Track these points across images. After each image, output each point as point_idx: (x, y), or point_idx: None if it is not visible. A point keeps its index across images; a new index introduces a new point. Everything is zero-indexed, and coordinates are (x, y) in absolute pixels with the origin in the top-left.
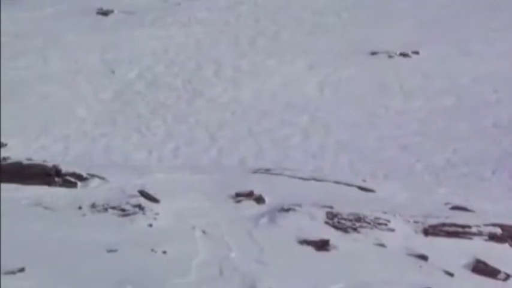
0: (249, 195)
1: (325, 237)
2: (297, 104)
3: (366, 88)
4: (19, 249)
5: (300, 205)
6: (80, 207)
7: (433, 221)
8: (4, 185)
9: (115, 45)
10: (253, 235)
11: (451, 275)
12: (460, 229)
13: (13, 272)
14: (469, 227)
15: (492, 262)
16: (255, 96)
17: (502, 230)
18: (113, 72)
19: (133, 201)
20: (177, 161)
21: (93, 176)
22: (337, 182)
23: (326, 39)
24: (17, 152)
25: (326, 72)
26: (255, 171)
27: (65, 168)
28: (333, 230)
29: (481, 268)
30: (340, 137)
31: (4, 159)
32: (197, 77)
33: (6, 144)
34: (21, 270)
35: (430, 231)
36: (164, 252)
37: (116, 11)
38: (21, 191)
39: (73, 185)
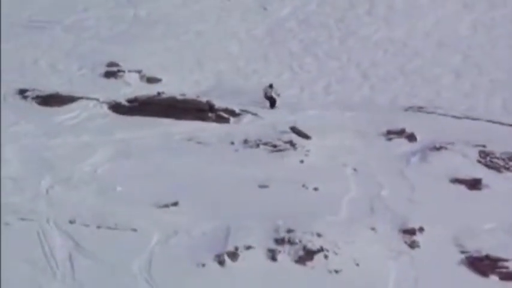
0: (401, 133)
1: (477, 176)
2: (450, 43)
3: None
4: (173, 184)
5: (452, 143)
6: (232, 143)
7: None
8: (158, 120)
9: None
10: (405, 173)
11: None
12: None
13: (167, 206)
14: None
15: None
16: (408, 35)
17: None
18: (265, 9)
19: (285, 137)
20: (329, 98)
21: (245, 111)
22: (490, 121)
23: None
24: (171, 88)
25: (480, 11)
26: (407, 109)
27: (218, 104)
28: (485, 169)
29: None
30: (494, 76)
31: (159, 94)
32: (349, 15)
33: (161, 80)
34: (175, 204)
35: None
36: (315, 188)
37: None
38: (175, 126)
39: (226, 120)
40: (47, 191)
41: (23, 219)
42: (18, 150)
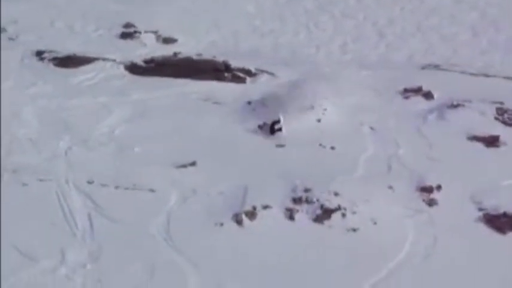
0: (418, 91)
1: (494, 133)
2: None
3: None
4: (190, 144)
5: (469, 101)
6: (249, 102)
7: None
8: (175, 80)
9: None
10: (422, 131)
11: None
12: None
13: (185, 166)
14: None
15: None
16: None
17: None
18: None
19: None
20: (345, 57)
21: (262, 71)
22: (507, 78)
23: None
24: (187, 48)
25: None
26: (424, 67)
27: (234, 64)
28: (502, 126)
29: None
30: (511, 34)
31: (175, 54)
32: None
33: (177, 40)
34: (193, 164)
35: None
36: (332, 147)
37: None
38: (191, 86)
39: (242, 80)
40: (65, 152)
41: (41, 180)
42: (36, 112)
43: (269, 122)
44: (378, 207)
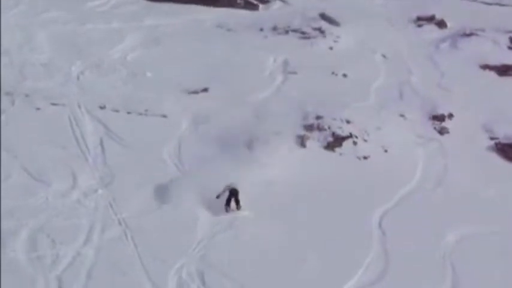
0: (431, 19)
1: (507, 62)
2: None
3: None
4: (202, 70)
5: (482, 30)
6: (261, 29)
7: None
8: (188, 6)
9: None
10: (435, 59)
11: None
12: None
13: (196, 92)
14: None
15: None
16: None
17: None
18: None
19: (314, 24)
20: None
21: None
22: None
23: None
24: None
25: None
26: None
27: None
28: None
29: None
30: None
31: None
32: None
33: None
34: (205, 90)
35: None
36: (344, 75)
37: None
38: (204, 13)
39: (255, 7)
40: (78, 77)
41: (54, 104)
42: (49, 36)
43: (281, 52)
44: (389, 135)
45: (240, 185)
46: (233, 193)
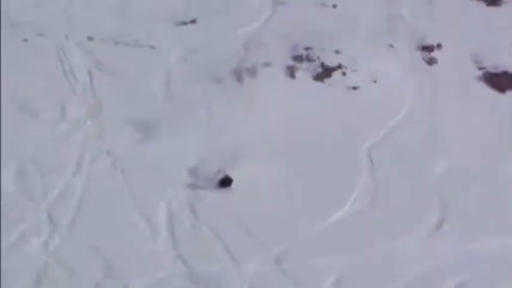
0: None
1: None
2: None
3: None
4: (191, 1)
5: None
6: None
7: None
8: None
9: None
10: None
11: None
12: None
13: (185, 23)
14: None
15: None
16: None
17: None
18: None
19: None
20: None
21: None
22: None
23: None
24: None
25: None
26: None
27: None
28: None
29: None
30: None
31: None
32: None
33: None
34: (193, 21)
35: None
36: (334, 6)
37: None
38: None
39: None
40: (65, 8)
41: (40, 34)
42: None
43: None
44: (379, 66)
45: (229, 116)
46: (226, 182)
